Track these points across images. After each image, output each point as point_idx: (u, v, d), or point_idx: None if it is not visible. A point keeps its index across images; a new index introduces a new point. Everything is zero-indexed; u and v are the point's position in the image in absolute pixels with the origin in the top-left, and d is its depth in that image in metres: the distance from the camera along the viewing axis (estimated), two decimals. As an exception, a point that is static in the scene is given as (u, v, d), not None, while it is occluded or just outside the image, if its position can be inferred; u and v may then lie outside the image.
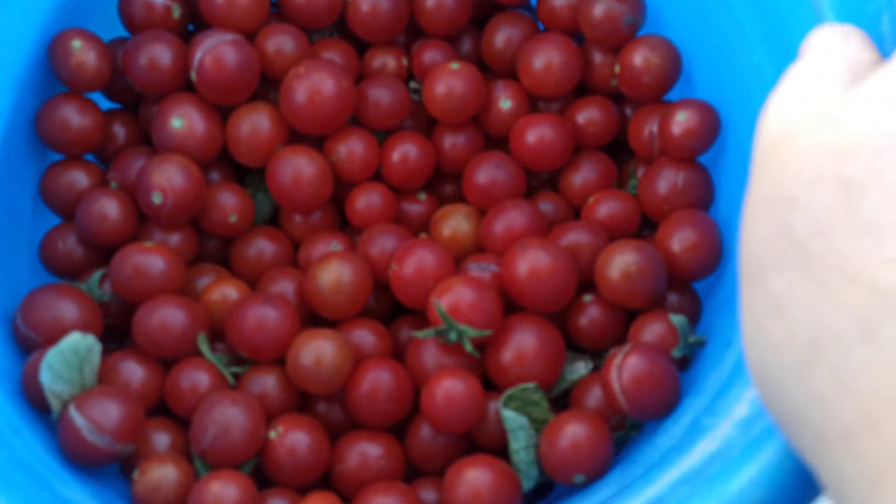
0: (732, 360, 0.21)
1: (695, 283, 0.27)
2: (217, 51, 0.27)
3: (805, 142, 0.15)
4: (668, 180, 0.27)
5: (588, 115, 0.29)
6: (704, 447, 0.18)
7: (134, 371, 0.25)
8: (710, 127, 0.27)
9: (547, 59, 0.29)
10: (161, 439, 0.24)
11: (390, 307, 0.29)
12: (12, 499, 0.20)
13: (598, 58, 0.30)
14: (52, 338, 0.24)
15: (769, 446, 0.16)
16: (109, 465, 0.24)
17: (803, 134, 0.15)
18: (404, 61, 0.30)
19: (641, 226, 0.29)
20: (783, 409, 0.15)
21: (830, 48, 0.17)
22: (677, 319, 0.25)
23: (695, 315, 0.27)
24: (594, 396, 0.25)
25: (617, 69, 0.29)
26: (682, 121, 0.27)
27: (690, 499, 0.16)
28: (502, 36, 0.30)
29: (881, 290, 0.13)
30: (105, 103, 0.30)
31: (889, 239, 0.13)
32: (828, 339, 0.14)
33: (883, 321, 0.13)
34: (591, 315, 0.26)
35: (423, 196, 0.30)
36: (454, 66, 0.29)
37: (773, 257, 0.14)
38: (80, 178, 0.28)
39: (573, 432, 0.23)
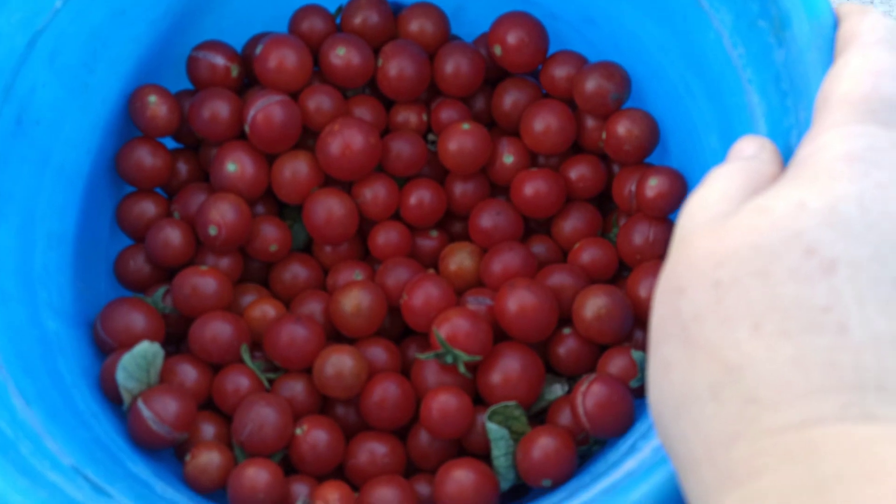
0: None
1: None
2: (267, 110, 0.33)
3: (697, 245, 0.19)
4: (641, 234, 0.32)
5: (579, 171, 0.34)
6: (629, 465, 0.23)
7: (189, 373, 0.31)
8: (679, 191, 0.32)
9: (546, 122, 0.34)
10: (208, 430, 0.30)
11: (401, 329, 0.34)
12: (97, 472, 0.25)
13: (589, 122, 0.34)
14: (125, 342, 0.30)
15: (663, 470, 0.21)
16: (167, 448, 0.29)
17: (698, 238, 0.19)
18: (424, 117, 0.35)
19: (620, 269, 0.33)
20: (665, 441, 0.19)
21: (746, 159, 0.21)
22: (637, 355, 0.30)
23: (656, 350, 0.31)
24: (566, 416, 0.30)
25: (604, 136, 0.34)
26: (654, 185, 0.32)
27: None
28: (510, 98, 0.35)
29: (727, 364, 0.17)
30: (171, 143, 0.36)
31: (736, 329, 0.17)
32: (692, 396, 0.18)
33: (724, 386, 0.17)
34: (568, 346, 0.31)
35: (434, 233, 0.35)
36: (466, 126, 0.34)
37: (665, 331, 0.19)
38: (149, 207, 0.34)
39: (544, 444, 0.28)
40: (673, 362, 0.19)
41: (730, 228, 0.19)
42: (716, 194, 0.20)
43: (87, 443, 0.26)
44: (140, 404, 0.28)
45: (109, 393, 0.29)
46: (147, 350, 0.29)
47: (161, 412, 0.28)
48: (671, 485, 0.21)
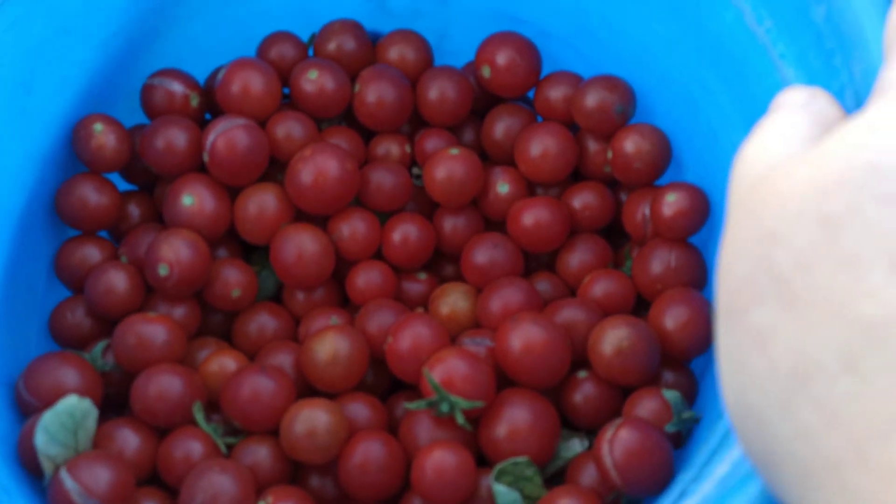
0: (722, 429, 0.21)
1: (690, 363, 0.27)
2: (229, 134, 0.29)
3: (784, 181, 0.15)
4: (661, 260, 0.28)
5: (583, 199, 0.30)
6: (687, 507, 0.18)
7: (129, 438, 0.25)
8: (700, 208, 0.28)
9: (543, 146, 0.30)
10: (150, 509, 0.24)
11: (388, 384, 0.29)
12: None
13: (592, 146, 0.31)
14: (52, 403, 0.25)
15: (740, 498, 0.16)
16: (96, 531, 0.23)
17: (782, 174, 0.15)
18: (408, 149, 0.32)
19: (637, 307, 0.29)
20: (766, 446, 0.14)
21: (800, 105, 0.18)
22: (671, 395, 0.25)
23: (690, 393, 0.27)
24: (589, 474, 0.25)
25: (609, 155, 0.30)
26: (672, 202, 0.28)
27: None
28: (501, 126, 0.32)
29: (862, 322, 0.13)
30: (122, 185, 0.31)
31: (868, 272, 0.13)
32: (812, 370, 0.14)
33: (865, 352, 0.13)
34: (585, 392, 0.26)
35: (423, 275, 0.31)
36: (454, 151, 0.30)
37: (755, 292, 0.15)
38: (92, 253, 0.30)
39: (565, 508, 0.23)
40: (772, 330, 0.14)
41: (829, 151, 0.15)
42: (783, 133, 0.17)
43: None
44: (63, 474, 0.23)
45: (28, 463, 0.24)
46: (74, 407, 0.24)
47: (90, 484, 0.23)
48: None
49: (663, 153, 0.29)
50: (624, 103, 0.30)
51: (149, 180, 0.32)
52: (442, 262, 0.31)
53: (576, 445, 0.26)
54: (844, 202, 0.14)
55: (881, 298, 0.13)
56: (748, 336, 0.15)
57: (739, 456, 0.18)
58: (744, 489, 0.16)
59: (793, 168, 0.15)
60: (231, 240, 0.31)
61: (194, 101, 0.31)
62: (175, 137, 0.30)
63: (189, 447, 0.25)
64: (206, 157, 0.29)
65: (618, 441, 0.23)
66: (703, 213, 0.28)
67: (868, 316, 0.13)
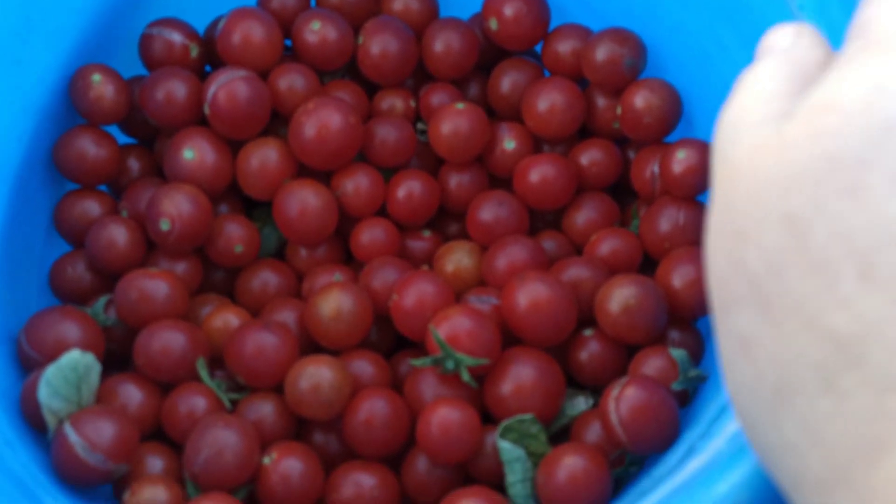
0: (730, 388, 0.21)
1: (697, 322, 0.27)
2: (230, 86, 0.28)
3: (749, 172, 0.14)
4: (669, 218, 0.28)
5: (591, 156, 0.30)
6: (694, 464, 0.18)
7: (132, 394, 0.25)
8: (710, 165, 0.27)
9: (551, 101, 0.30)
10: (155, 463, 0.24)
11: (392, 342, 0.29)
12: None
13: (600, 102, 0.30)
14: (54, 358, 0.24)
15: (754, 454, 0.16)
16: (102, 485, 0.23)
17: (747, 163, 0.14)
18: (412, 103, 0.31)
19: (643, 266, 0.29)
20: (760, 450, 0.14)
21: (784, 50, 0.16)
22: (678, 353, 0.25)
23: (697, 352, 0.26)
24: (594, 432, 0.25)
25: (619, 111, 0.29)
26: (682, 159, 0.27)
27: (677, 506, 0.15)
28: (508, 81, 0.31)
29: (837, 336, 0.12)
30: (122, 139, 0.31)
31: (838, 279, 0.12)
32: (793, 387, 0.13)
33: (841, 371, 0.12)
34: (591, 350, 0.26)
35: (427, 233, 0.30)
36: (460, 105, 0.30)
37: (734, 295, 0.14)
38: (92, 207, 0.29)
39: (571, 465, 0.23)
40: (752, 337, 0.13)
41: (790, 140, 0.14)
42: (756, 98, 0.15)
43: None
44: (67, 428, 0.23)
45: (32, 418, 0.24)
46: (77, 361, 0.24)
47: (93, 437, 0.23)
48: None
49: (674, 109, 0.29)
50: (634, 57, 0.29)
51: (148, 133, 0.31)
52: (447, 219, 0.31)
53: (581, 403, 0.26)
54: (807, 198, 0.13)
55: (853, 311, 0.12)
56: (733, 340, 0.14)
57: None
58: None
59: (756, 158, 0.14)
60: (233, 195, 0.30)
61: (194, 52, 0.30)
62: (175, 89, 0.29)
63: (193, 402, 0.25)
64: (207, 110, 0.29)
65: (624, 399, 0.23)
66: (714, 170, 0.27)
67: (842, 329, 0.12)
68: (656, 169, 0.28)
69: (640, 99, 0.29)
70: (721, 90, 0.27)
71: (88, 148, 0.29)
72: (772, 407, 0.13)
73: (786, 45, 0.16)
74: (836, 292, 0.12)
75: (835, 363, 0.12)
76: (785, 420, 0.13)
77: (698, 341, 0.27)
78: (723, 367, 0.14)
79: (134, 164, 0.31)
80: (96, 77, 0.29)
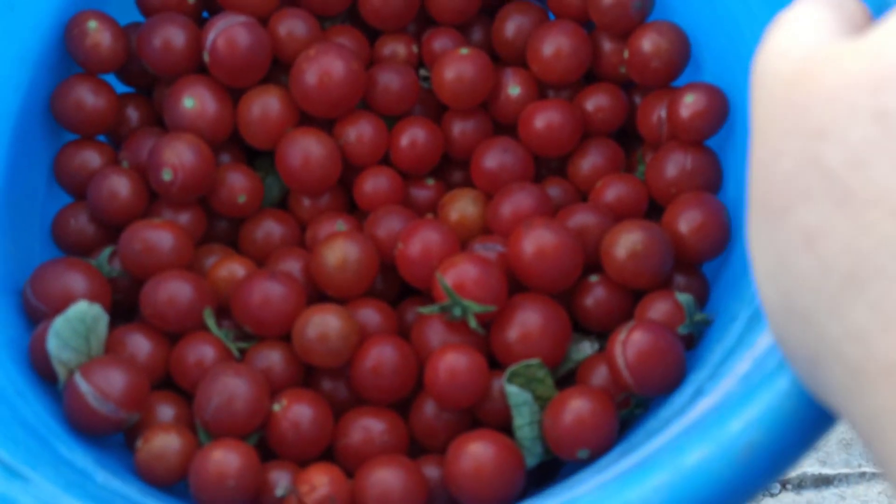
0: (738, 331, 0.21)
1: (703, 266, 0.27)
2: (229, 32, 0.28)
3: (831, 74, 0.14)
4: (676, 163, 0.27)
5: (597, 101, 0.30)
6: (704, 404, 0.18)
7: (140, 344, 0.25)
8: (719, 109, 0.27)
9: (556, 45, 0.29)
10: (166, 412, 0.25)
11: (397, 290, 0.29)
12: (14, 453, 0.20)
13: (607, 46, 0.30)
14: (61, 309, 0.24)
15: (768, 392, 0.16)
16: (113, 433, 0.24)
17: (828, 67, 0.14)
18: (414, 49, 0.31)
19: (649, 212, 0.29)
20: (809, 346, 0.14)
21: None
22: (683, 298, 0.25)
23: (702, 296, 0.26)
24: (600, 375, 0.25)
25: (626, 55, 0.29)
26: (690, 103, 0.27)
27: (687, 446, 0.16)
28: (512, 25, 0.30)
29: None
30: (120, 88, 0.30)
31: None
32: (869, 272, 0.13)
33: None
34: (597, 295, 0.26)
35: (431, 181, 0.30)
36: (464, 51, 0.29)
37: (802, 190, 0.14)
38: (92, 157, 0.29)
39: (577, 407, 0.23)
40: (822, 229, 0.14)
41: (882, 45, 0.14)
42: (807, 29, 0.15)
43: (5, 423, 0.21)
44: (78, 378, 0.23)
45: (41, 368, 0.24)
46: (85, 312, 0.24)
47: (104, 387, 0.23)
48: (783, 410, 0.16)
49: (682, 52, 0.28)
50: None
51: (147, 82, 0.31)
52: (451, 167, 0.31)
53: (586, 348, 0.26)
54: None
55: None
56: (795, 235, 0.14)
57: (762, 353, 0.17)
58: (771, 383, 0.16)
59: (840, 61, 0.14)
60: (234, 145, 0.30)
61: (191, -2, 0.30)
62: (173, 36, 0.28)
63: (202, 352, 0.25)
64: (206, 57, 0.28)
65: (631, 342, 0.23)
66: (722, 114, 0.27)
67: None
68: (663, 113, 0.28)
69: (648, 42, 0.28)
70: (730, 32, 0.27)
71: (86, 97, 0.28)
72: (837, 296, 0.14)
73: None
74: None
75: None
76: (853, 307, 0.13)
77: (704, 286, 0.27)
78: (768, 271, 0.15)
79: (133, 114, 0.30)
80: (92, 24, 0.28)
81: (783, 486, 0.40)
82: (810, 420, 0.15)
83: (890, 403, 0.13)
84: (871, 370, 0.13)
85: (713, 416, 0.16)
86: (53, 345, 0.23)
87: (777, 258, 0.15)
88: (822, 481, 0.40)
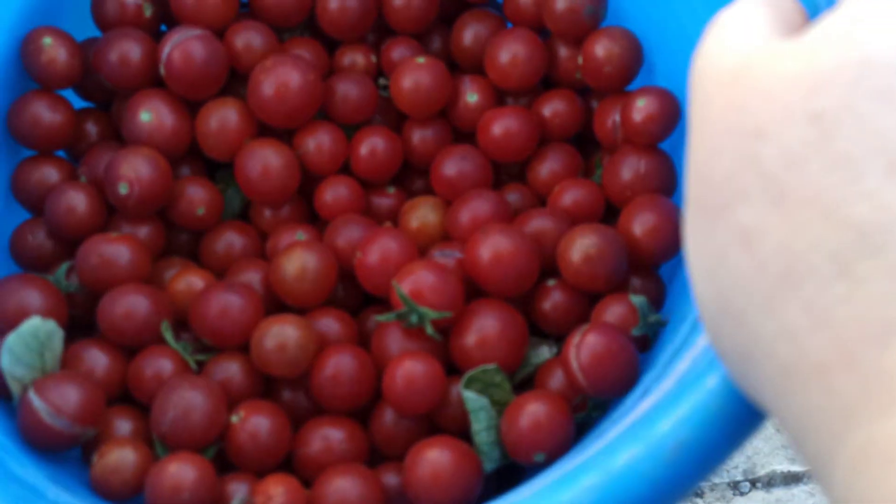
0: (685, 331, 0.21)
1: (659, 268, 0.28)
2: (185, 45, 0.28)
3: (768, 75, 0.14)
4: (630, 167, 0.28)
5: (554, 107, 0.30)
6: (645, 405, 0.18)
7: (97, 358, 0.25)
8: (670, 112, 0.27)
9: (512, 52, 0.29)
10: (123, 426, 0.24)
11: (359, 299, 0.29)
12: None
13: (563, 52, 0.30)
14: (15, 325, 0.24)
15: (697, 391, 0.16)
16: (68, 448, 0.24)
17: (764, 68, 0.14)
18: (373, 58, 0.31)
19: (606, 215, 0.29)
20: (743, 345, 0.14)
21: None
22: (637, 300, 0.25)
23: (658, 298, 0.27)
24: (557, 379, 0.25)
25: (580, 60, 0.29)
26: (642, 107, 0.27)
27: (619, 447, 0.16)
28: (470, 33, 0.31)
29: (858, 226, 0.13)
30: (78, 103, 0.30)
31: (863, 173, 0.13)
32: (802, 273, 0.13)
33: (860, 258, 0.13)
34: (554, 299, 0.26)
35: (391, 189, 0.30)
36: (420, 60, 0.29)
37: (739, 190, 0.14)
38: (50, 173, 0.29)
39: (533, 411, 0.23)
40: (758, 229, 0.14)
41: (818, 46, 0.14)
42: (753, 24, 0.16)
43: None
44: (31, 394, 0.23)
45: (-5, 385, 0.24)
46: (38, 328, 0.24)
47: (58, 402, 0.23)
48: (711, 409, 0.16)
49: (634, 56, 0.29)
50: (594, 5, 0.29)
51: (105, 97, 0.31)
52: (411, 175, 0.31)
53: (545, 352, 0.26)
54: (837, 99, 0.13)
55: (877, 202, 0.13)
56: (732, 234, 0.14)
57: (700, 352, 0.18)
58: (701, 382, 0.16)
59: (777, 61, 0.14)
60: (194, 158, 0.30)
61: (147, 11, 0.30)
62: (129, 50, 0.28)
63: (159, 365, 0.25)
64: (162, 71, 0.28)
65: (584, 345, 0.23)
66: (674, 117, 0.27)
67: (863, 219, 0.13)
68: (618, 118, 0.28)
69: (601, 48, 0.28)
70: (680, 36, 0.27)
71: (43, 113, 0.28)
72: (771, 295, 0.14)
73: None
74: (860, 185, 0.13)
75: (852, 250, 0.13)
76: (787, 306, 0.13)
77: (659, 287, 0.27)
78: (705, 269, 0.15)
79: (91, 129, 0.30)
80: (47, 40, 0.28)
81: (753, 485, 0.41)
82: (740, 418, 0.16)
83: (819, 402, 0.13)
84: (801, 369, 0.13)
85: (645, 418, 0.16)
86: (6, 361, 0.23)
87: (714, 258, 0.15)
88: (792, 479, 0.41)
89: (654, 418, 0.16)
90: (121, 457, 0.23)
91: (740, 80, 0.15)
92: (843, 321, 0.13)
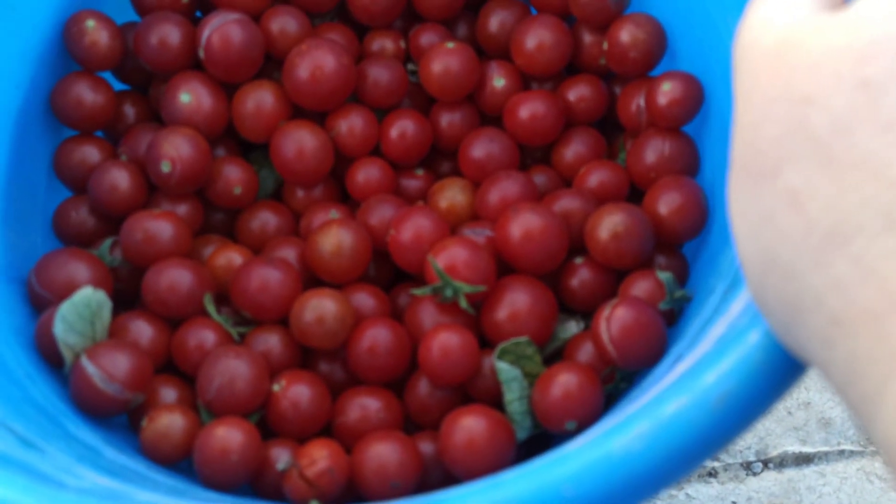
0: (715, 302, 0.22)
1: (683, 247, 0.28)
2: (224, 29, 0.29)
3: (816, 44, 0.15)
4: (655, 149, 0.29)
5: (578, 92, 0.31)
6: (681, 367, 0.19)
7: (143, 329, 0.26)
8: (695, 96, 0.28)
9: (539, 39, 0.30)
10: (168, 393, 0.25)
11: (390, 276, 0.30)
12: (28, 428, 0.21)
13: (587, 38, 0.31)
14: (65, 296, 0.25)
15: (740, 346, 0.17)
16: (119, 414, 0.25)
17: (812, 37, 0.15)
18: (402, 44, 0.32)
19: (630, 197, 0.30)
20: (790, 298, 0.15)
21: None
22: (664, 276, 0.26)
23: (682, 275, 0.28)
24: (585, 352, 0.26)
25: (605, 46, 0.30)
26: (667, 91, 0.28)
27: (666, 399, 0.17)
28: (496, 20, 0.32)
29: None
30: (117, 85, 0.31)
31: None
32: (851, 229, 0.14)
33: None
34: (582, 276, 0.27)
35: (420, 171, 0.31)
36: (450, 45, 0.30)
37: (787, 154, 0.15)
38: (92, 153, 0.30)
39: (564, 381, 0.24)
40: (807, 190, 0.15)
41: (865, 17, 0.15)
42: (786, 2, 0.16)
43: (17, 401, 0.22)
44: (84, 361, 0.24)
45: (48, 353, 0.25)
46: (90, 297, 0.25)
47: (110, 368, 0.24)
48: (754, 362, 0.17)
49: (659, 42, 0.29)
50: (620, -8, 0.30)
51: (142, 80, 0.31)
52: (439, 158, 0.32)
53: (572, 327, 0.27)
54: (883, 67, 0.14)
55: None
56: (780, 195, 0.15)
57: (737, 314, 0.19)
58: (743, 338, 0.17)
59: (823, 32, 0.15)
60: (230, 139, 0.31)
61: (185, -3, 0.31)
62: (169, 34, 0.29)
63: (202, 336, 0.26)
64: (201, 54, 0.29)
65: (614, 318, 0.24)
66: (698, 101, 0.28)
67: None
68: (642, 102, 0.29)
69: (626, 34, 0.29)
70: (703, 22, 0.28)
71: (85, 94, 0.29)
72: (821, 250, 0.14)
73: None
74: None
75: None
76: (836, 261, 0.14)
77: (684, 265, 0.28)
78: (751, 228, 0.16)
79: (129, 110, 0.31)
80: (90, 23, 0.29)
81: (765, 465, 0.42)
82: (781, 370, 0.17)
83: (868, 347, 0.14)
84: (850, 318, 0.14)
85: (689, 373, 0.17)
86: (60, 329, 0.24)
87: (761, 217, 0.15)
88: (803, 460, 0.42)
89: (699, 371, 0.17)
90: (170, 421, 0.24)
91: (788, 51, 0.16)
92: (892, 272, 0.14)
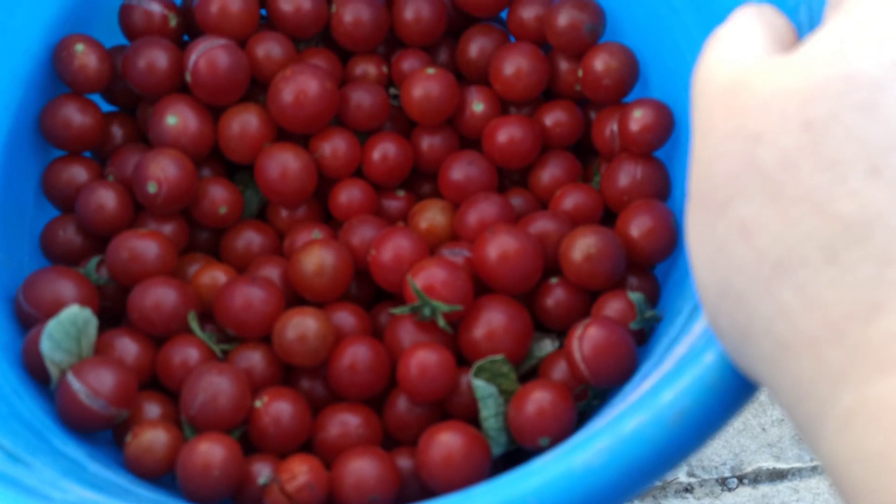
0: (681, 322, 0.23)
1: (654, 268, 0.29)
2: (210, 54, 0.30)
3: (767, 86, 0.16)
4: (627, 173, 0.30)
5: (555, 117, 0.32)
6: (645, 386, 0.20)
7: (128, 346, 0.27)
8: (665, 123, 0.29)
9: (517, 65, 0.31)
10: (152, 409, 0.26)
11: (371, 295, 0.30)
12: (15, 443, 0.21)
13: (563, 65, 0.32)
14: (52, 314, 0.26)
15: (696, 366, 0.18)
16: (104, 429, 0.25)
17: (763, 78, 0.16)
18: (384, 69, 0.33)
19: (604, 219, 0.31)
20: (741, 324, 0.16)
21: (754, 16, 0.19)
22: (635, 296, 0.27)
23: (653, 296, 0.29)
24: (559, 370, 0.27)
25: (580, 74, 0.31)
26: (638, 118, 0.29)
27: (626, 416, 0.18)
28: (476, 46, 0.33)
29: (844, 220, 0.15)
30: (105, 107, 0.32)
31: (848, 175, 0.15)
32: (796, 261, 0.15)
33: (846, 247, 0.15)
34: (556, 296, 0.28)
35: (401, 193, 0.32)
36: (430, 71, 0.31)
37: (739, 188, 0.16)
38: (79, 173, 0.30)
39: (538, 398, 0.25)
40: (756, 222, 0.16)
41: (810, 61, 0.16)
42: (742, 43, 0.17)
43: (4, 417, 0.22)
44: (70, 377, 0.24)
45: (34, 369, 0.25)
46: (76, 315, 0.25)
47: (95, 385, 0.24)
48: (710, 381, 0.18)
49: (631, 70, 0.31)
50: (594, 22, 0.31)
51: (130, 102, 0.32)
52: (420, 179, 0.33)
53: (547, 345, 0.28)
54: (826, 109, 0.15)
55: (860, 200, 0.15)
56: (732, 228, 0.16)
57: (697, 336, 0.19)
58: (699, 359, 0.18)
59: (773, 73, 0.16)
60: (215, 160, 0.32)
61: (173, 22, 0.31)
62: (156, 58, 0.30)
63: (186, 353, 0.27)
64: (188, 77, 0.30)
65: (586, 337, 0.25)
66: (668, 127, 0.29)
67: (848, 214, 0.15)
68: (615, 128, 0.30)
69: (600, 62, 0.30)
70: (673, 51, 0.29)
71: (74, 116, 0.30)
72: (769, 280, 0.15)
73: (754, 13, 0.19)
74: (846, 185, 0.15)
75: (840, 241, 0.15)
76: (782, 290, 0.15)
77: (655, 286, 0.29)
78: (706, 258, 0.17)
79: (117, 131, 0.32)
80: (79, 47, 0.30)
81: (740, 481, 0.43)
82: (734, 390, 0.17)
83: (810, 372, 0.15)
84: (795, 343, 0.15)
85: (651, 391, 0.18)
86: (47, 346, 0.25)
87: (715, 247, 0.16)
88: (777, 475, 0.43)
89: (659, 390, 0.18)
90: (154, 437, 0.24)
91: (741, 90, 0.17)
92: (832, 302, 0.15)
